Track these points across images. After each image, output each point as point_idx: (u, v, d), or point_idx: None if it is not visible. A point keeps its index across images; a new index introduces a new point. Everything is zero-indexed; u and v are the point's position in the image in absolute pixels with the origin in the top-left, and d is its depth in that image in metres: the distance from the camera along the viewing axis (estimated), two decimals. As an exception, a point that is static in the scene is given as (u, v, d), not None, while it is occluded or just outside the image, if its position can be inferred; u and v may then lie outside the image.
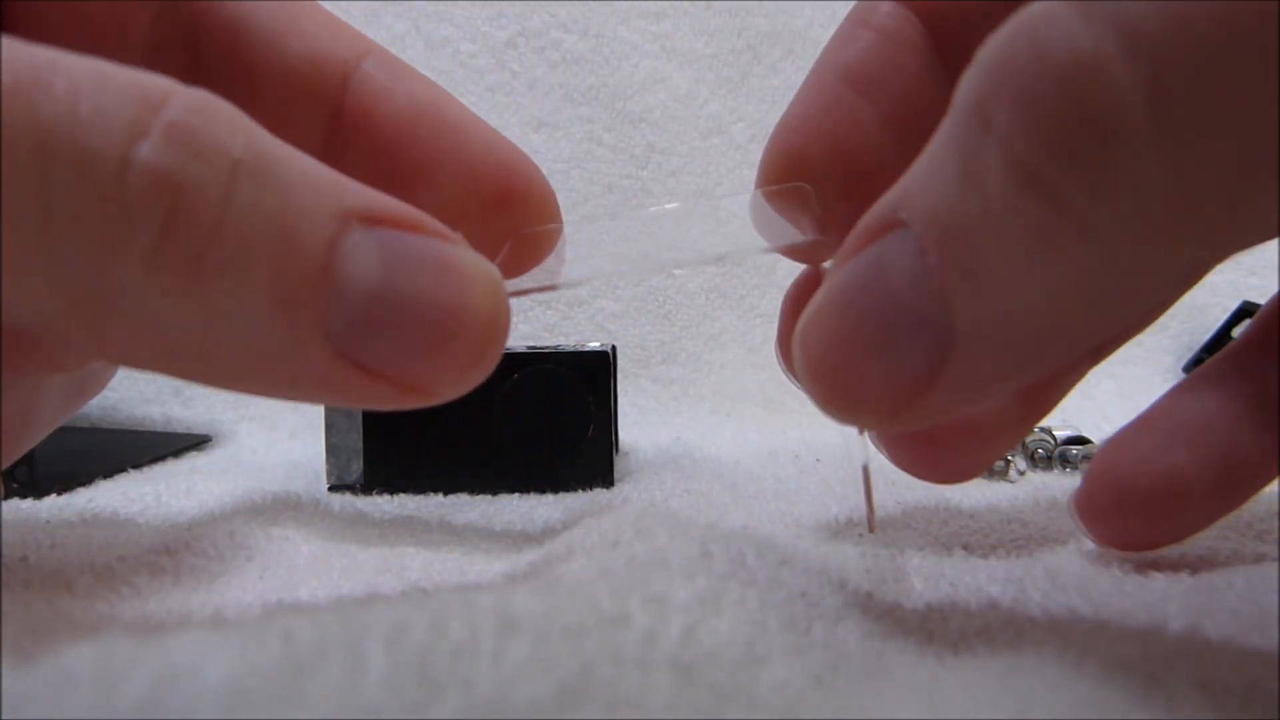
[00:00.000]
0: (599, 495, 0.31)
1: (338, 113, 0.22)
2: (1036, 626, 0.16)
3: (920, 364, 0.14)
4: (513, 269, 0.23)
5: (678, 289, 0.53)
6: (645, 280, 0.53)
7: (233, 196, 0.13)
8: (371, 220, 0.14)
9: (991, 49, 0.12)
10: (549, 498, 0.31)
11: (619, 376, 0.43)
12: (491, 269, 0.15)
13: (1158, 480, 0.19)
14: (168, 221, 0.13)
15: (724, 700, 0.11)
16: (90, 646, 0.10)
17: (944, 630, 0.17)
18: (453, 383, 0.15)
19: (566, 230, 0.20)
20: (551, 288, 0.20)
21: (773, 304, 0.53)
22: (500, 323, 0.15)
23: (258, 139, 0.14)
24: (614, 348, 0.33)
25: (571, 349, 0.32)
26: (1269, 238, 0.12)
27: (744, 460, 0.37)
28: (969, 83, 0.13)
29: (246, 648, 0.10)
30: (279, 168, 0.14)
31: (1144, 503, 0.20)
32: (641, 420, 0.49)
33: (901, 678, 0.14)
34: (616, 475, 0.32)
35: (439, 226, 0.15)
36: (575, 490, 0.31)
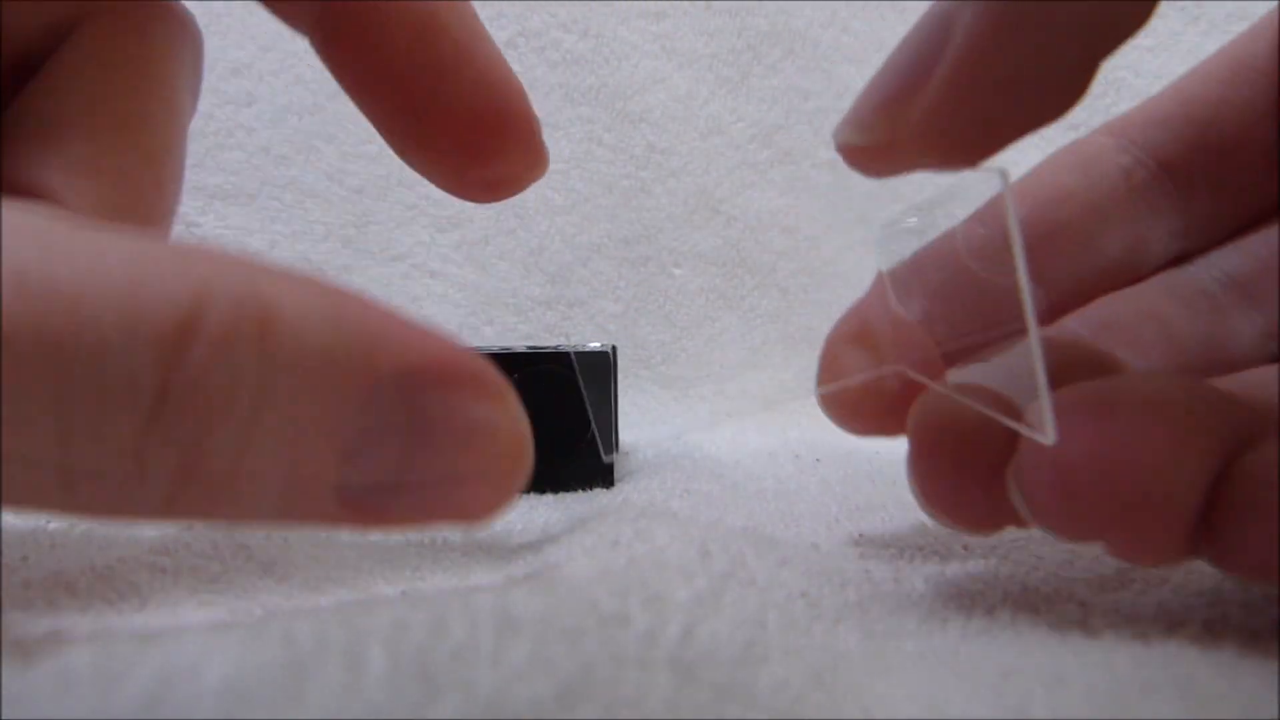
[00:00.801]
0: (599, 495, 0.31)
1: (333, 5, 0.21)
2: (1037, 627, 0.16)
3: None
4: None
5: (678, 289, 0.53)
6: (646, 282, 0.52)
7: (253, 426, 0.13)
8: (402, 378, 0.14)
9: None
10: (549, 498, 0.31)
11: (619, 376, 0.43)
12: (515, 425, 0.15)
13: None
14: (185, 468, 0.13)
15: (724, 700, 0.11)
16: (90, 647, 0.10)
17: (944, 630, 0.17)
18: (468, 527, 0.15)
19: None
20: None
21: (773, 304, 0.53)
22: (520, 478, 0.15)
23: (291, 339, 0.13)
24: (614, 348, 0.33)
25: (571, 349, 0.32)
26: None
27: (744, 460, 0.37)
28: None
29: (246, 648, 0.10)
30: (311, 362, 0.13)
31: None
32: (641, 420, 0.49)
33: (902, 678, 0.14)
34: (616, 475, 0.32)
35: (464, 366, 0.15)
36: (575, 490, 0.31)
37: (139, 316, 0.13)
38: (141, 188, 0.20)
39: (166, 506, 0.13)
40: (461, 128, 0.22)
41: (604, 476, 0.32)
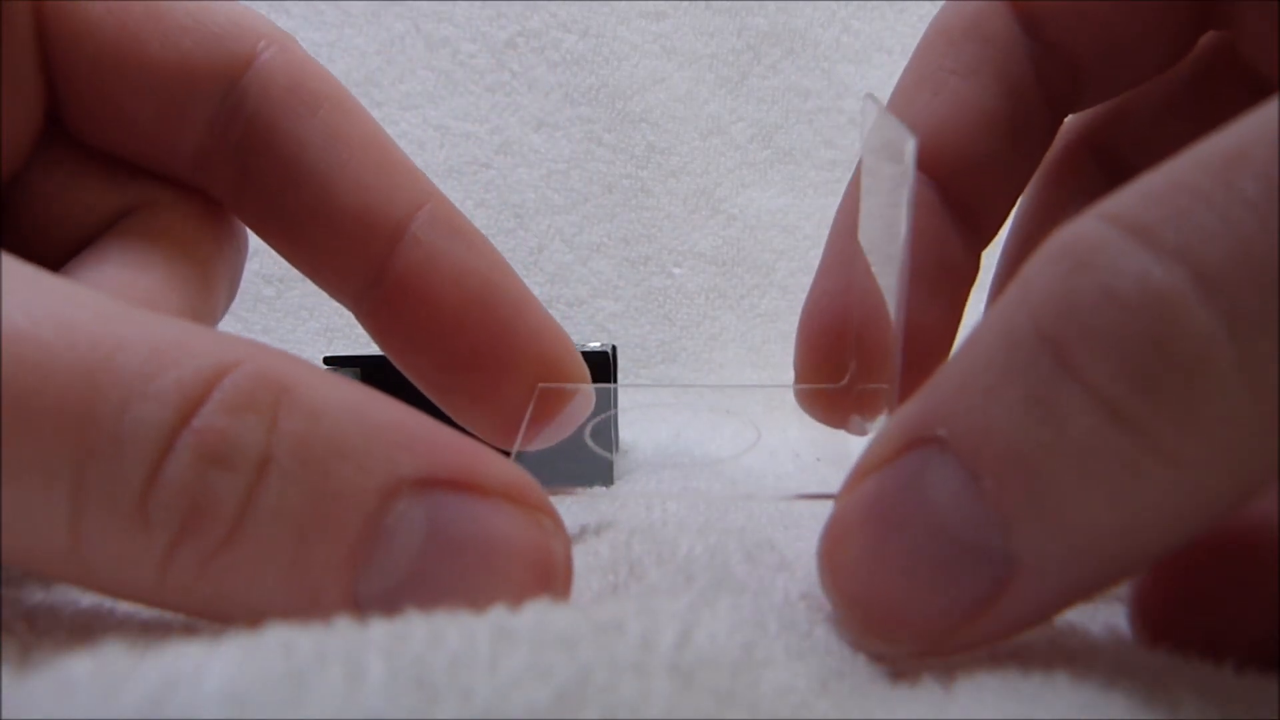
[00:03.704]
0: (598, 495, 0.31)
1: (380, 272, 0.22)
2: (1039, 631, 0.16)
3: (973, 594, 0.13)
4: (539, 433, 0.23)
5: (678, 289, 0.53)
6: (646, 281, 0.52)
7: (253, 498, 0.13)
8: (424, 484, 0.14)
9: (1044, 278, 0.13)
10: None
11: (619, 376, 0.43)
12: (546, 540, 0.15)
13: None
14: (181, 531, 0.13)
15: (726, 705, 0.11)
16: (90, 655, 0.10)
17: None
18: None
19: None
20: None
21: (772, 304, 0.53)
22: (552, 586, 0.15)
23: (304, 417, 0.13)
24: (614, 348, 0.33)
25: (584, 363, 0.32)
26: None
27: (744, 459, 0.37)
28: (1023, 311, 0.13)
29: (246, 657, 0.10)
30: (321, 445, 0.13)
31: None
32: (641, 419, 0.49)
33: (907, 684, 0.14)
34: (616, 474, 0.32)
35: (494, 475, 0.14)
36: (574, 486, 0.31)
37: (162, 370, 0.13)
38: None
39: (164, 568, 0.13)
40: (516, 375, 0.23)
41: (603, 475, 0.32)
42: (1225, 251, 0.11)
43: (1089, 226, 0.12)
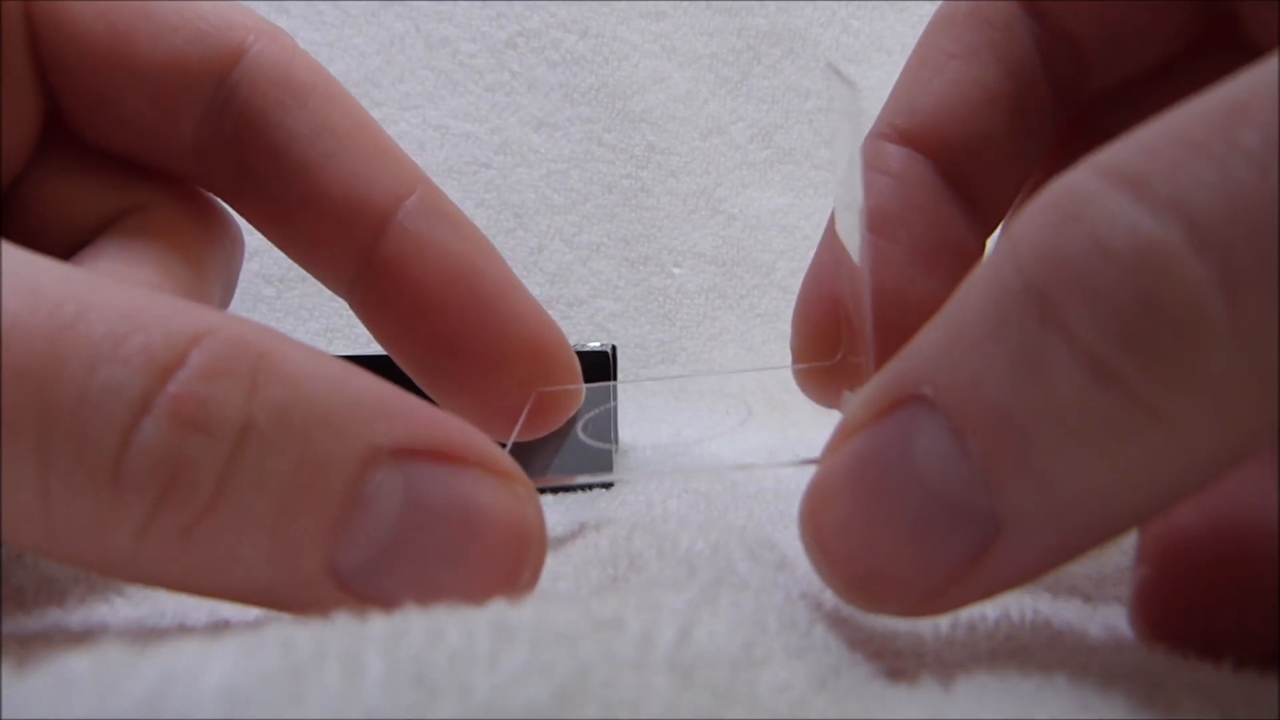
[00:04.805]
0: (598, 496, 0.31)
1: (370, 260, 0.22)
2: (1039, 632, 0.16)
3: (958, 554, 0.13)
4: (532, 427, 0.23)
5: (678, 289, 0.53)
6: (645, 281, 0.53)
7: (234, 466, 0.13)
8: (401, 453, 0.14)
9: (1033, 231, 0.12)
10: (549, 498, 0.31)
11: (619, 376, 0.43)
12: (521, 508, 0.15)
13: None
14: (159, 499, 0.13)
15: (725, 702, 0.11)
16: (88, 653, 0.10)
17: (948, 636, 0.17)
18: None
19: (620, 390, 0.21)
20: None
21: (772, 304, 0.53)
22: (526, 570, 0.15)
23: (284, 385, 0.13)
24: (614, 348, 0.33)
25: (571, 349, 0.32)
26: None
27: (744, 459, 0.37)
28: (1010, 264, 0.12)
29: (245, 654, 0.10)
30: (301, 413, 0.13)
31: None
32: (641, 419, 0.49)
33: (906, 683, 0.14)
34: (615, 470, 0.32)
35: (469, 445, 0.14)
36: (575, 490, 0.31)
37: (130, 334, 0.13)
38: None
39: (141, 537, 0.13)
40: (505, 362, 0.23)
41: (602, 468, 0.32)
42: (1221, 204, 0.11)
43: (1080, 179, 0.12)
